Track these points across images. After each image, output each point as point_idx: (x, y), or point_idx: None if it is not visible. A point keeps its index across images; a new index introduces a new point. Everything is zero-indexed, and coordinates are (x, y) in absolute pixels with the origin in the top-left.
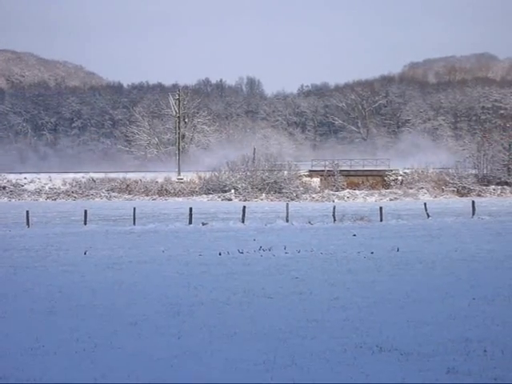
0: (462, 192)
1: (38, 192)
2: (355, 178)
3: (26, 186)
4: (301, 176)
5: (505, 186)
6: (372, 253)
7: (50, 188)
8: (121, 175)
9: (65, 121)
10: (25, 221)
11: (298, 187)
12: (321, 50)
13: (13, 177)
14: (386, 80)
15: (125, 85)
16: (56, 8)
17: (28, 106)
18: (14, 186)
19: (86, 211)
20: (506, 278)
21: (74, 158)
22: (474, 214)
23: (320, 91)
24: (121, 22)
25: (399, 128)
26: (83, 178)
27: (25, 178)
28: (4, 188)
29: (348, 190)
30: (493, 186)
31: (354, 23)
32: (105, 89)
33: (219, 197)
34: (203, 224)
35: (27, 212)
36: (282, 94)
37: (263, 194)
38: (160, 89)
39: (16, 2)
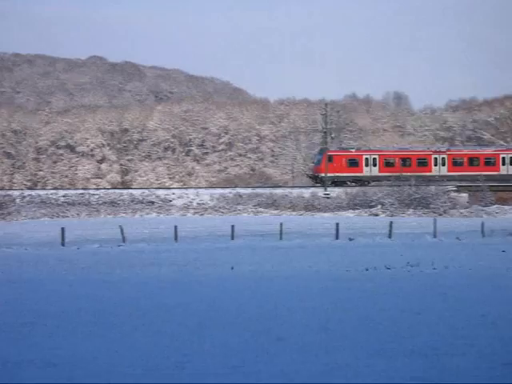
0: None
1: (186, 207)
2: (504, 194)
3: (174, 202)
4: (448, 191)
5: None
6: None
7: (197, 203)
8: (267, 190)
9: (212, 136)
10: (173, 236)
11: (445, 202)
12: (469, 64)
13: (161, 192)
14: None
15: (271, 100)
16: (204, 26)
17: (176, 122)
18: (162, 201)
19: (233, 226)
20: None
21: (222, 174)
22: None
23: (468, 105)
24: (267, 39)
25: None
26: (230, 193)
27: (173, 194)
28: (153, 203)
29: (497, 205)
30: None
31: (502, 36)
32: (252, 104)
33: (366, 212)
34: (350, 239)
35: (175, 227)
36: (429, 109)
37: (410, 210)
38: (307, 104)
39: (167, 19)
